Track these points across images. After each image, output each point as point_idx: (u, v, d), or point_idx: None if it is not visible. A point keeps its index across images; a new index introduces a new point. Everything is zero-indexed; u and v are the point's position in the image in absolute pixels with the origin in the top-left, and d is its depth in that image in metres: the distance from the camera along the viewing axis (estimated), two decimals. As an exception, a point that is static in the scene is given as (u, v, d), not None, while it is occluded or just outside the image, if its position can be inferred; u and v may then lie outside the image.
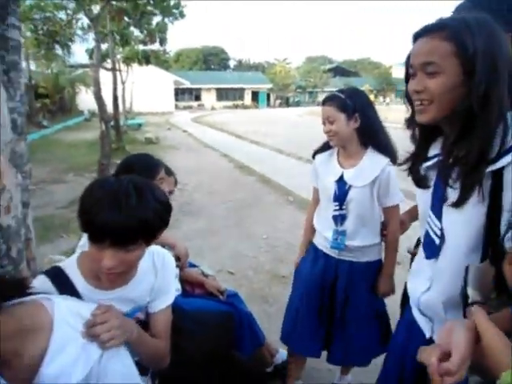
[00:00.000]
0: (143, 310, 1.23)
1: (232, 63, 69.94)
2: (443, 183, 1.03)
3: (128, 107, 20.81)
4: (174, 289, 1.29)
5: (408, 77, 1.03)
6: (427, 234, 1.12)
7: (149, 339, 1.18)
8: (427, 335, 1.18)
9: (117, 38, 14.07)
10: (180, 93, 42.27)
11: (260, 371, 2.11)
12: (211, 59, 65.99)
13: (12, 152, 1.16)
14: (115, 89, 11.79)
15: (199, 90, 44.38)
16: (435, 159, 1.07)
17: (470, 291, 0.95)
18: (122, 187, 0.98)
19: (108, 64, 12.82)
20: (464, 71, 0.92)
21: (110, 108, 9.19)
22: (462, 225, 1.01)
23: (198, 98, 45.05)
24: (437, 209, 1.07)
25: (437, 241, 1.08)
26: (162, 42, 14.94)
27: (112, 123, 10.54)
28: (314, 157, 1.97)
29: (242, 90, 46.13)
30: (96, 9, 8.88)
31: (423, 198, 1.14)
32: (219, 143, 13.50)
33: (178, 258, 1.92)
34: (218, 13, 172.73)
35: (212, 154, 11.52)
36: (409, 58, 1.01)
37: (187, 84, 39.38)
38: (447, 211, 1.04)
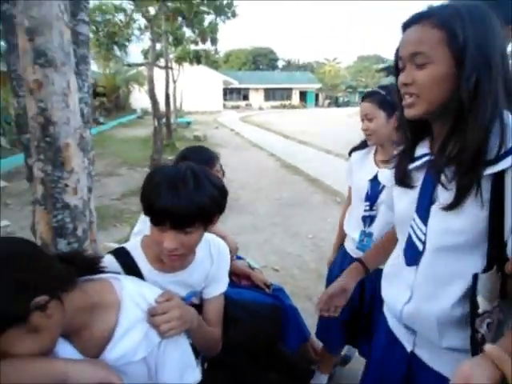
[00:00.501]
0: (198, 295, 1.26)
1: (281, 63, 69.94)
2: (433, 184, 0.95)
3: (178, 106, 21.42)
4: (227, 277, 1.31)
5: (398, 71, 0.96)
6: (409, 239, 1.02)
7: (206, 328, 1.20)
8: (408, 349, 1.09)
9: (170, 39, 14.55)
10: (228, 92, 42.93)
11: (305, 367, 2.10)
12: (260, 60, 66.35)
13: (80, 137, 1.24)
14: (167, 87, 12.19)
15: (247, 89, 44.82)
16: (424, 158, 0.99)
17: (481, 300, 0.89)
18: (180, 173, 1.01)
19: (161, 63, 13.28)
20: (455, 62, 0.85)
21: (161, 106, 9.52)
22: (455, 229, 0.91)
23: (245, 97, 45.51)
24: (423, 211, 0.98)
25: (420, 247, 0.99)
26: (213, 41, 15.27)
27: (163, 120, 10.90)
28: (350, 154, 1.92)
29: (290, 89, 46.01)
30: (153, 10, 9.23)
31: (405, 201, 1.05)
32: (266, 142, 13.55)
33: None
34: (267, 13, 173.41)
35: (259, 153, 11.58)
36: (398, 50, 0.94)
37: (236, 84, 39.91)
38: (435, 214, 0.95)
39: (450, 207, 0.89)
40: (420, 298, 1.01)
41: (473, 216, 0.87)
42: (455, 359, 0.97)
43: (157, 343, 0.96)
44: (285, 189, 7.10)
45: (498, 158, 0.83)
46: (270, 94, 45.74)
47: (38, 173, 1.17)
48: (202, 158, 1.72)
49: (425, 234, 0.97)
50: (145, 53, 15.97)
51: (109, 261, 1.11)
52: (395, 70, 0.98)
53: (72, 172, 1.19)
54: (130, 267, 1.11)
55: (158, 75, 12.08)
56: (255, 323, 1.53)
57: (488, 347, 0.71)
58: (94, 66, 22.60)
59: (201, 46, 17.61)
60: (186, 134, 15.21)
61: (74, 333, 0.88)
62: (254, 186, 7.34)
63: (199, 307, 1.25)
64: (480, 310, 0.89)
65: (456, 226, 0.90)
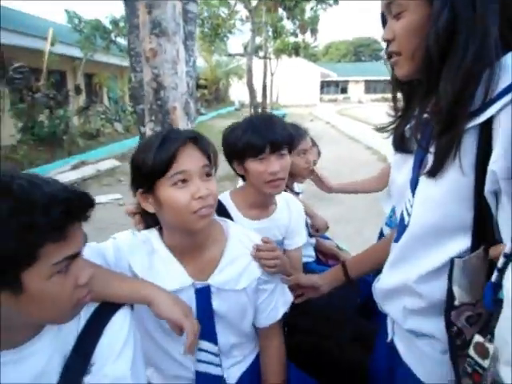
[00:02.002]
0: (280, 246, 1.35)
1: (384, 54, 66.68)
2: (420, 148, 0.82)
3: (274, 98, 21.77)
4: (304, 233, 1.45)
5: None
6: (401, 213, 0.90)
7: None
8: (389, 337, 0.97)
9: (270, 31, 14.83)
10: (326, 85, 42.27)
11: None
12: (362, 51, 64.13)
13: (186, 102, 1.35)
14: (265, 78, 12.48)
15: (346, 82, 43.59)
16: None
17: (457, 290, 0.73)
18: (264, 116, 1.32)
19: (260, 55, 13.62)
20: (429, 4, 0.72)
21: (258, 97, 9.78)
22: (435, 199, 0.77)
23: (344, 90, 44.33)
24: (413, 181, 0.84)
25: (407, 220, 0.85)
26: (313, 32, 15.17)
27: (259, 110, 11.20)
28: None
29: (392, 82, 43.57)
30: (254, 1, 9.50)
31: (404, 171, 0.90)
32: (363, 135, 13.09)
33: (316, 230, 1.97)
34: (371, 1, 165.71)
35: (355, 146, 11.27)
36: None
37: (334, 76, 39.13)
38: (423, 183, 0.81)
39: (430, 173, 0.77)
40: (388, 271, 0.92)
41: (453, 182, 0.73)
42: (425, 351, 0.85)
43: (256, 277, 1.06)
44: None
45: (483, 107, 0.68)
46: (370, 87, 43.85)
47: (149, 132, 1.32)
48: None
49: (412, 206, 0.84)
50: (245, 46, 16.53)
51: None
52: (383, 27, 0.86)
53: (177, 133, 1.32)
54: (223, 214, 1.23)
55: (257, 67, 12.39)
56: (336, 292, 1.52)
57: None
58: (198, 60, 23.97)
59: (300, 38, 17.66)
60: (280, 126, 15.41)
61: (188, 255, 1.00)
62: (348, 177, 7.09)
63: None
64: (456, 302, 0.74)
65: (436, 196, 0.77)
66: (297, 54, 19.38)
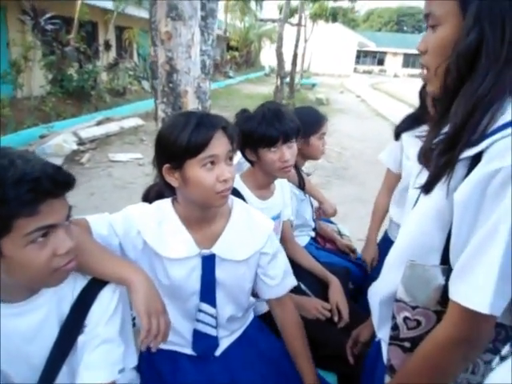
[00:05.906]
0: (278, 219, 1.51)
1: (427, 26, 63.04)
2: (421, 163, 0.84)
3: (306, 66, 21.13)
4: (290, 208, 1.65)
5: None
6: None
7: None
8: (377, 338, 0.97)
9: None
10: (362, 55, 40.63)
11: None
12: (405, 20, 60.82)
13: (198, 86, 1.38)
14: (297, 46, 12.10)
15: (384, 53, 41.71)
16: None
17: (399, 286, 0.80)
18: (277, 108, 1.38)
19: (295, 19, 13.14)
20: (462, 22, 0.69)
21: (288, 65, 9.48)
22: (420, 215, 0.80)
23: (380, 62, 42.52)
24: (418, 197, 0.86)
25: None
26: (352, -2, 14.47)
27: (287, 80, 10.96)
28: (399, 134, 1.70)
29: (433, 57, 41.42)
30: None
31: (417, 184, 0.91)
32: (393, 113, 12.66)
33: (324, 213, 2.04)
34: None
35: (382, 124, 10.96)
36: None
37: (372, 46, 37.48)
38: (420, 200, 0.83)
39: (422, 188, 0.79)
40: (379, 279, 0.95)
41: (438, 203, 0.75)
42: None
43: (257, 250, 1.12)
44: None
45: (479, 140, 0.68)
46: (409, 61, 41.78)
47: (161, 113, 1.36)
48: (311, 118, 1.75)
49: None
50: (280, 8, 15.95)
51: None
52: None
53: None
54: (236, 195, 1.31)
55: (291, 32, 11.96)
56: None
57: None
58: (228, 18, 22.99)
59: (339, 3, 16.93)
60: (308, 96, 15.07)
61: (196, 226, 1.07)
62: (369, 157, 7.05)
63: None
64: (396, 296, 0.81)
65: (422, 212, 0.80)
66: (334, 19, 18.64)
